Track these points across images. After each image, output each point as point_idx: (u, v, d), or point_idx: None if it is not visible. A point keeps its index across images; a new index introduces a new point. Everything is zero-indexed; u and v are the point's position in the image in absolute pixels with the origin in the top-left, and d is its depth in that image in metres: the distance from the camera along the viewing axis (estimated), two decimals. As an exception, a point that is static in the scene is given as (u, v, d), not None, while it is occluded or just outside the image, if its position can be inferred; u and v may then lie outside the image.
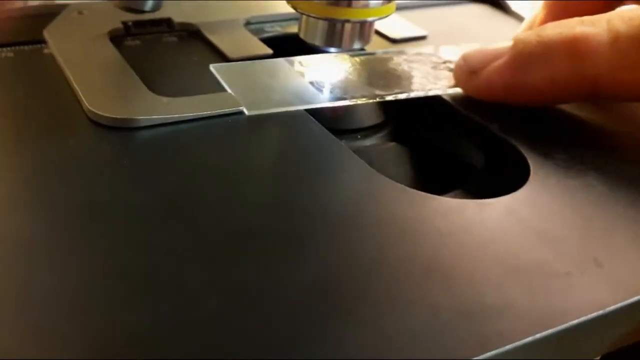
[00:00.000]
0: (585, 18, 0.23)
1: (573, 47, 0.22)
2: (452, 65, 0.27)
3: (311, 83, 0.26)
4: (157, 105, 0.22)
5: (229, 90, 0.24)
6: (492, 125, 0.24)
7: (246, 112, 0.23)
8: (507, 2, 0.35)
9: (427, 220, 0.18)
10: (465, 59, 0.26)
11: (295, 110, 0.24)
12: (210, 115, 0.22)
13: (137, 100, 0.23)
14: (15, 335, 0.14)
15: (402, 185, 0.20)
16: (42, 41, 0.27)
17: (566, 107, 0.25)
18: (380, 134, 0.26)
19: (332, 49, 0.26)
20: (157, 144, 0.21)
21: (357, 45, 0.25)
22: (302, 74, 0.26)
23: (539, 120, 0.25)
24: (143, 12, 0.26)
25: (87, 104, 0.22)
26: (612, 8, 0.27)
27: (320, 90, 0.25)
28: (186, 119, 0.22)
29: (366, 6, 0.24)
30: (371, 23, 0.25)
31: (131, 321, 0.14)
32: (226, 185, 0.20)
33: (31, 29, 0.28)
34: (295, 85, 0.25)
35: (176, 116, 0.22)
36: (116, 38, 0.28)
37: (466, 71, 0.25)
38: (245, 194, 0.19)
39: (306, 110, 0.24)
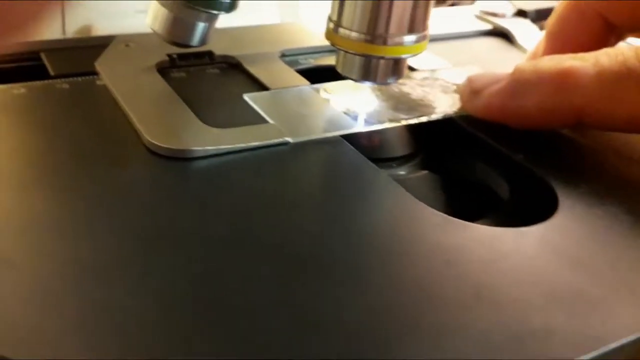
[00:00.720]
0: (578, 54, 0.24)
1: (562, 78, 0.24)
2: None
3: (341, 109, 0.27)
4: (209, 137, 0.23)
5: (269, 120, 0.25)
6: (517, 155, 0.25)
7: (290, 141, 0.24)
8: (514, 36, 0.36)
9: (469, 248, 0.19)
10: (469, 80, 0.27)
11: (333, 137, 0.24)
12: (259, 146, 0.23)
13: (191, 131, 0.23)
14: None
15: (442, 214, 0.21)
16: (94, 73, 0.28)
17: (589, 136, 0.26)
18: (412, 163, 0.27)
19: (367, 83, 0.27)
20: (211, 173, 0.22)
21: (390, 80, 0.26)
22: (328, 101, 0.27)
23: (564, 149, 0.26)
24: (190, 46, 0.27)
25: (146, 136, 0.22)
26: (607, 44, 0.28)
27: (351, 116, 0.26)
28: (236, 149, 0.23)
29: (400, 44, 0.25)
30: (405, 59, 0.26)
31: (203, 348, 0.15)
32: (278, 212, 0.20)
33: (82, 61, 0.28)
34: (326, 111, 0.27)
35: (228, 147, 0.23)
36: (162, 69, 0.29)
37: (469, 91, 0.27)
38: (297, 221, 0.20)
39: (343, 136, 0.25)
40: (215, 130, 0.24)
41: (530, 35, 0.35)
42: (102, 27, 0.41)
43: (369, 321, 0.16)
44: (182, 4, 0.25)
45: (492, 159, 0.26)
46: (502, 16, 0.37)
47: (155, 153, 0.22)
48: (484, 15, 0.38)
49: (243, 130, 0.24)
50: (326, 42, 0.33)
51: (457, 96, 0.28)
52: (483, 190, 0.26)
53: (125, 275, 0.17)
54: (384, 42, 0.25)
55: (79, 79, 0.27)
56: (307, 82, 0.29)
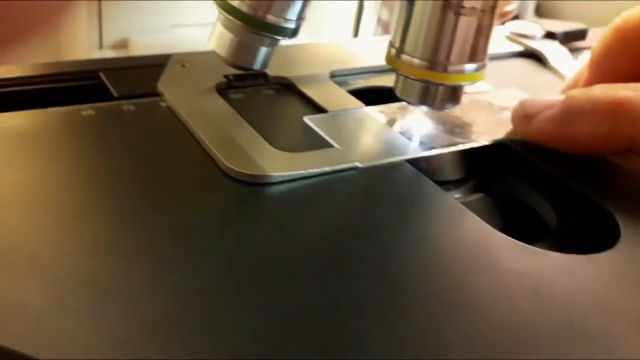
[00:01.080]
0: (630, 85, 0.25)
1: (614, 107, 0.24)
2: (507, 112, 0.29)
3: (400, 133, 0.27)
4: (283, 162, 0.23)
5: (335, 144, 0.25)
6: (571, 180, 0.25)
7: (360, 166, 0.24)
8: (547, 57, 0.37)
9: (549, 276, 0.20)
10: (522, 104, 0.28)
11: (398, 162, 0.25)
12: (330, 171, 0.24)
13: (265, 156, 0.24)
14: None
15: (514, 239, 0.21)
16: (156, 94, 0.28)
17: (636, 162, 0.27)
18: (467, 185, 0.27)
19: (425, 108, 0.27)
20: (286, 198, 0.22)
21: (448, 106, 0.27)
22: (386, 123, 0.28)
23: (616, 174, 0.26)
24: (251, 70, 0.27)
25: (224, 161, 0.23)
26: None
27: (410, 139, 0.27)
28: (310, 175, 0.23)
29: (461, 72, 0.25)
30: (463, 87, 0.26)
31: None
32: (358, 238, 0.21)
33: (143, 81, 0.28)
34: (386, 135, 0.27)
35: (303, 172, 0.23)
36: (221, 90, 0.29)
37: (522, 115, 0.28)
38: (377, 248, 0.21)
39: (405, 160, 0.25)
40: (287, 154, 0.24)
41: (561, 57, 0.36)
42: (139, 41, 0.42)
43: (465, 350, 0.17)
44: (247, 29, 0.26)
45: (544, 183, 0.26)
46: (532, 38, 0.38)
47: (231, 177, 0.23)
48: (515, 37, 0.38)
49: (314, 155, 0.24)
50: (371, 63, 0.34)
51: (506, 119, 0.29)
52: (535, 213, 0.26)
53: (219, 301, 0.17)
54: (445, 70, 0.26)
55: (143, 100, 0.27)
56: (361, 103, 0.29)
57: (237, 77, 0.30)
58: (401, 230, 0.22)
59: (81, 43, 0.41)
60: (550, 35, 0.38)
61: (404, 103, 0.28)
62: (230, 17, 0.26)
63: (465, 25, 0.24)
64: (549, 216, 0.26)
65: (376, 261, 0.20)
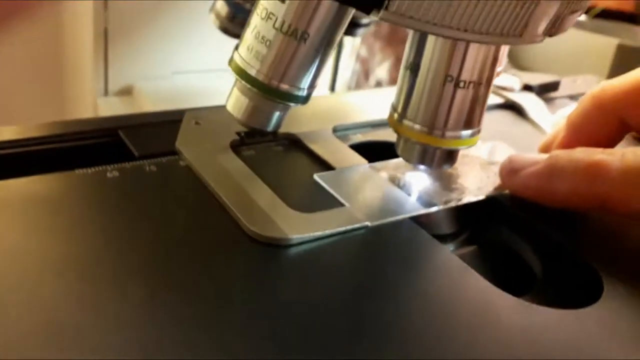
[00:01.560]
0: (607, 150, 0.28)
1: (592, 169, 0.27)
2: (494, 167, 0.31)
3: (402, 189, 0.29)
4: (301, 223, 0.25)
5: (345, 202, 0.27)
6: (556, 233, 0.28)
7: (369, 225, 0.26)
8: (526, 109, 0.39)
9: (543, 330, 0.22)
10: (509, 160, 0.30)
11: (403, 219, 0.27)
12: (343, 231, 0.25)
13: (283, 217, 0.25)
14: None
15: (509, 295, 0.23)
16: (174, 152, 0.29)
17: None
18: (461, 238, 0.29)
19: (423, 167, 0.29)
20: (305, 258, 0.24)
21: (445, 167, 0.28)
22: (389, 181, 0.29)
23: (597, 227, 0.29)
24: (265, 132, 0.29)
25: (248, 225, 0.24)
26: (619, 139, 0.31)
27: (414, 197, 0.28)
28: (325, 235, 0.25)
29: (457, 138, 0.27)
30: (458, 150, 0.28)
31: None
32: (368, 295, 0.22)
33: (160, 140, 0.30)
34: (391, 192, 0.29)
35: (319, 233, 0.24)
36: (234, 147, 0.30)
37: (509, 170, 0.30)
38: (386, 304, 0.22)
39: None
40: (304, 215, 0.25)
41: (537, 109, 0.39)
42: (143, 88, 0.43)
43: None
44: (262, 95, 0.27)
45: (532, 236, 0.28)
46: (512, 90, 0.40)
47: (253, 239, 0.24)
48: (496, 90, 0.41)
49: (328, 215, 0.26)
50: (368, 118, 0.36)
51: (494, 174, 0.31)
52: (524, 263, 0.28)
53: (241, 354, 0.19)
54: (443, 135, 0.27)
55: (163, 159, 0.28)
56: (364, 160, 0.31)
57: (247, 134, 0.31)
58: (409, 288, 0.23)
59: (87, 91, 0.42)
60: (527, 87, 0.41)
61: (400, 160, 0.30)
62: (246, 84, 0.27)
63: (463, 96, 0.26)
64: (536, 267, 0.28)
65: (388, 319, 0.21)
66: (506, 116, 0.39)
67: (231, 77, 0.28)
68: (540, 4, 0.22)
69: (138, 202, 0.26)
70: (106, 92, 0.42)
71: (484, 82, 0.26)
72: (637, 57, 0.61)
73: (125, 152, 0.29)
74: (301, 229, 0.25)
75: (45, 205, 0.24)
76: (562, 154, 0.28)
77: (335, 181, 0.29)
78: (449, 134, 0.27)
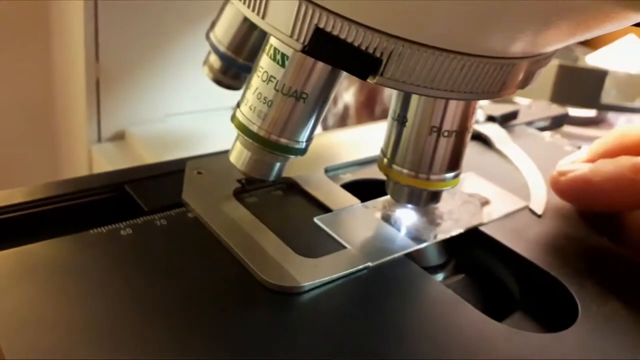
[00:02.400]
0: None
1: (636, 167, 0.29)
2: (471, 198, 0.33)
3: (394, 226, 0.30)
4: (309, 269, 0.26)
5: (346, 244, 0.28)
6: (533, 258, 0.29)
7: (370, 265, 0.27)
8: (491, 139, 0.41)
9: (531, 355, 0.23)
10: (558, 167, 0.33)
11: (399, 257, 0.28)
12: (348, 273, 0.26)
13: (292, 264, 0.26)
14: None
15: (501, 324, 0.25)
16: (181, 204, 0.29)
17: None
18: (449, 267, 0.30)
19: (411, 206, 0.30)
20: (316, 303, 0.25)
21: (431, 204, 0.30)
22: (380, 219, 0.30)
23: (577, 252, 0.30)
24: (266, 181, 0.29)
25: (261, 275, 0.25)
26: None
27: (405, 233, 0.30)
28: (332, 279, 0.26)
29: (442, 180, 0.29)
30: (442, 190, 0.30)
31: None
32: (376, 334, 0.23)
33: (166, 192, 0.30)
34: (385, 231, 0.30)
35: (328, 278, 0.25)
36: (236, 195, 0.30)
37: (556, 175, 0.33)
38: (393, 343, 0.23)
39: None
40: (311, 261, 0.26)
41: (501, 139, 0.41)
42: (135, 132, 0.42)
43: None
44: (263, 149, 0.28)
45: (511, 261, 0.30)
46: (477, 122, 0.42)
47: (265, 287, 0.25)
48: (463, 120, 0.42)
49: (333, 259, 0.27)
50: (355, 157, 0.37)
51: (473, 206, 0.32)
52: (503, 288, 0.30)
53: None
54: (428, 179, 0.29)
55: (172, 212, 0.29)
56: (357, 200, 0.32)
57: (248, 181, 0.32)
58: (410, 324, 0.25)
59: (81, 139, 0.41)
60: (490, 118, 0.43)
61: (388, 197, 0.32)
62: (248, 139, 0.28)
63: (447, 144, 0.28)
64: (514, 289, 0.30)
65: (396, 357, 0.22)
66: (473, 147, 0.41)
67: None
68: (515, 66, 0.24)
69: (154, 258, 0.26)
70: (99, 139, 0.42)
71: (465, 131, 0.28)
72: (577, 77, 0.65)
73: (134, 205, 0.30)
74: (311, 275, 0.26)
75: (67, 270, 0.25)
76: (607, 160, 0.31)
77: (334, 223, 0.30)
78: (434, 177, 0.29)
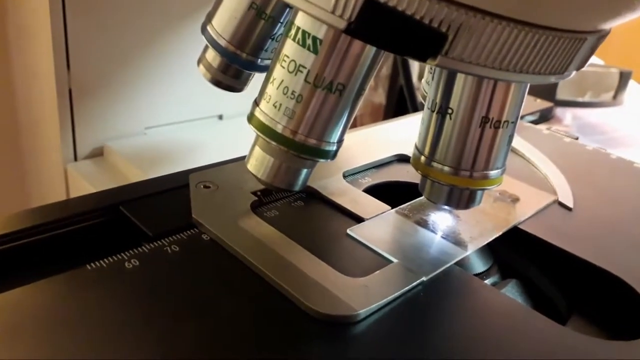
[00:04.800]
0: None
1: None
2: (506, 198, 0.28)
3: (433, 231, 0.24)
4: (361, 292, 0.20)
5: (391, 258, 0.22)
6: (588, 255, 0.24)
7: (424, 279, 0.21)
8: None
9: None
10: None
11: (450, 267, 0.22)
12: (405, 291, 0.20)
13: (340, 288, 0.20)
14: None
15: (578, 333, 0.19)
16: (192, 225, 0.22)
17: None
18: (493, 272, 0.25)
19: (449, 207, 0.24)
20: (373, 331, 0.19)
21: (470, 206, 0.24)
22: (419, 223, 0.25)
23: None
24: (291, 191, 0.23)
25: (308, 304, 0.18)
26: None
27: (446, 239, 0.24)
28: (388, 302, 0.19)
29: (485, 178, 0.23)
30: (485, 189, 0.24)
31: None
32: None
33: (170, 212, 0.23)
34: (428, 239, 0.24)
35: (384, 301, 0.19)
36: (254, 210, 0.24)
37: None
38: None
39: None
40: (360, 281, 0.20)
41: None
42: (115, 147, 0.35)
43: None
44: (288, 152, 0.21)
45: (560, 261, 0.25)
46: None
47: (313, 317, 0.18)
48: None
49: (384, 277, 0.21)
50: (372, 158, 0.31)
51: (507, 204, 0.27)
52: (555, 292, 0.25)
53: None
54: (471, 176, 0.23)
55: (183, 236, 0.22)
56: (384, 205, 0.26)
57: (264, 193, 0.25)
58: (484, 340, 0.19)
59: (55, 159, 0.33)
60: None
61: (420, 200, 0.26)
62: (272, 142, 0.21)
63: (498, 136, 0.22)
64: (568, 291, 0.25)
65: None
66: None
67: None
68: (586, 42, 0.19)
69: (171, 294, 0.19)
70: (75, 157, 0.34)
71: (516, 121, 0.23)
72: None
73: (133, 230, 0.22)
74: (364, 298, 0.19)
75: (63, 321, 0.17)
76: None
77: (369, 234, 0.24)
78: (477, 174, 0.23)
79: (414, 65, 0.50)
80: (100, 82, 0.34)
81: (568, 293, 0.25)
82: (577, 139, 0.38)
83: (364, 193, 0.27)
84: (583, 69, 0.23)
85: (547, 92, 0.63)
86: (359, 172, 0.29)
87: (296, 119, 0.21)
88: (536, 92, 0.56)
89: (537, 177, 0.32)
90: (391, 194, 0.28)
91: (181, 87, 0.31)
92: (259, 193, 0.25)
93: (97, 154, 0.35)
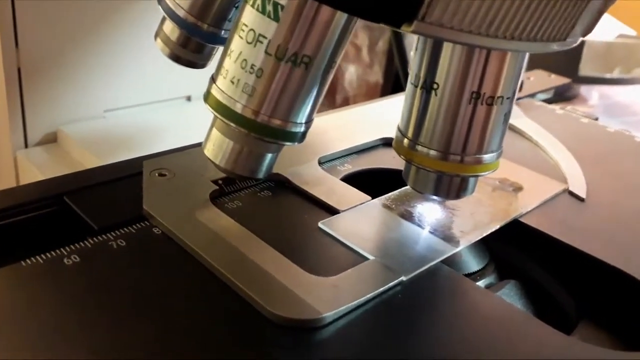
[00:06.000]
0: None
1: None
2: (507, 186, 0.27)
3: (418, 225, 0.24)
4: (329, 293, 0.19)
5: (367, 255, 0.22)
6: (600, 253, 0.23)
7: (404, 279, 0.21)
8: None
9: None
10: None
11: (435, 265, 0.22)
12: (380, 292, 0.20)
13: (305, 288, 0.19)
14: None
15: (575, 339, 0.19)
16: (142, 217, 0.22)
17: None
18: (489, 271, 0.25)
19: (438, 198, 0.24)
20: (341, 337, 0.18)
21: (462, 195, 0.24)
22: (400, 215, 0.24)
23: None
24: (254, 179, 0.23)
25: (266, 306, 0.18)
26: None
27: (433, 233, 0.24)
28: (360, 303, 0.19)
29: (479, 162, 0.23)
30: (478, 176, 0.24)
31: None
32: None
33: (119, 203, 0.23)
34: (412, 234, 0.24)
35: (354, 303, 0.19)
36: (214, 200, 0.24)
37: None
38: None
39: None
40: (329, 281, 0.20)
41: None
42: (70, 132, 0.35)
43: None
44: (253, 136, 0.21)
45: (566, 259, 0.24)
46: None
47: (273, 322, 0.18)
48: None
49: (356, 276, 0.20)
50: (352, 143, 0.30)
51: (508, 194, 0.27)
52: (562, 295, 0.25)
53: None
54: (461, 160, 0.23)
55: (132, 229, 0.22)
56: (366, 196, 0.25)
57: (226, 182, 0.25)
58: (471, 351, 0.19)
59: (2, 144, 0.33)
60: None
61: (406, 189, 0.26)
62: (230, 124, 0.21)
63: (490, 114, 0.22)
64: (576, 295, 0.24)
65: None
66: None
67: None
68: (590, 3, 0.18)
69: (114, 293, 0.19)
70: (26, 143, 0.33)
71: (512, 96, 0.22)
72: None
73: (77, 223, 0.22)
74: (332, 300, 0.19)
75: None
76: None
77: (344, 228, 0.23)
78: (469, 159, 0.23)
79: (412, 38, 0.50)
80: (53, 61, 0.34)
81: (576, 296, 0.24)
82: (596, 119, 0.38)
83: (341, 182, 0.27)
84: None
85: (567, 67, 0.62)
86: (338, 158, 0.29)
87: (257, 96, 0.21)
88: (555, 67, 0.55)
89: (545, 163, 0.32)
90: (374, 182, 0.27)
91: (145, 65, 0.31)
92: (220, 182, 0.25)
93: (51, 139, 0.35)
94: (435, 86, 0.22)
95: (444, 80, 0.22)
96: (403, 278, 0.21)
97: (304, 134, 0.22)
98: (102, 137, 0.34)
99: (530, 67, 0.50)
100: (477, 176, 0.24)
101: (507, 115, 0.23)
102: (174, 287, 0.19)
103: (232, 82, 0.21)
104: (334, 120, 0.32)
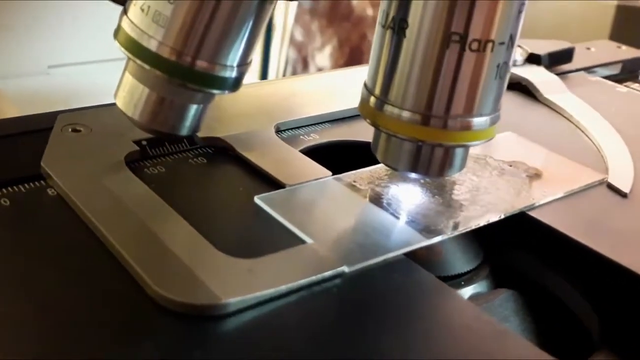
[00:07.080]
0: None
1: None
2: (520, 171, 0.26)
3: (387, 210, 0.23)
4: (240, 277, 0.18)
5: (306, 238, 0.20)
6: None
7: (346, 271, 0.19)
8: (537, 87, 0.34)
9: None
10: None
11: (394, 257, 0.20)
12: (308, 283, 0.19)
13: (211, 269, 0.18)
14: None
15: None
16: (40, 176, 0.22)
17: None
18: (481, 276, 0.23)
19: (416, 175, 0.23)
20: (246, 334, 0.17)
21: (448, 173, 0.22)
22: (365, 198, 0.23)
23: None
24: (176, 136, 0.22)
25: (155, 288, 0.17)
26: None
27: (407, 221, 0.22)
28: (279, 293, 0.18)
29: (468, 128, 0.21)
30: (469, 147, 0.22)
31: None
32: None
33: (17, 158, 0.23)
34: (371, 217, 0.22)
35: (268, 292, 0.18)
36: (132, 163, 0.23)
37: None
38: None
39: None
40: (244, 263, 0.19)
41: (552, 86, 0.34)
42: (10, 88, 0.35)
43: None
44: (170, 80, 0.20)
45: (584, 269, 0.23)
46: (515, 63, 0.35)
47: (162, 307, 0.17)
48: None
49: (282, 261, 0.19)
50: (325, 110, 0.30)
51: (519, 181, 0.25)
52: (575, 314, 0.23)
53: None
54: (445, 125, 0.21)
55: (21, 188, 0.21)
56: (326, 171, 0.24)
57: (152, 143, 0.24)
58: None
59: None
60: (533, 58, 0.36)
61: (381, 166, 0.24)
62: (144, 65, 0.20)
63: (476, 63, 0.20)
64: (592, 314, 0.23)
65: None
66: (512, 98, 0.34)
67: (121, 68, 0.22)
68: None
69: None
70: (-48, 98, 0.34)
71: (506, 42, 0.21)
72: (636, 16, 0.65)
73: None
74: (241, 286, 0.18)
75: None
76: None
77: (286, 205, 0.22)
78: (453, 122, 0.21)
79: None
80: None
81: (600, 313, 0.22)
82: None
83: (299, 153, 0.26)
84: None
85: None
86: (304, 126, 0.28)
87: (174, 30, 0.20)
88: (628, 37, 0.54)
89: (585, 148, 0.30)
90: (346, 158, 0.26)
91: (93, 19, 0.31)
92: (144, 142, 0.24)
93: (-16, 94, 0.36)
94: (405, 25, 0.21)
95: (419, 17, 0.20)
96: (345, 269, 0.19)
97: (237, 80, 0.21)
98: (43, 95, 0.35)
99: (594, 37, 0.48)
100: (465, 146, 0.22)
101: (503, 67, 0.21)
102: (52, 260, 0.19)
103: (143, 11, 0.20)
104: (311, 85, 0.31)
